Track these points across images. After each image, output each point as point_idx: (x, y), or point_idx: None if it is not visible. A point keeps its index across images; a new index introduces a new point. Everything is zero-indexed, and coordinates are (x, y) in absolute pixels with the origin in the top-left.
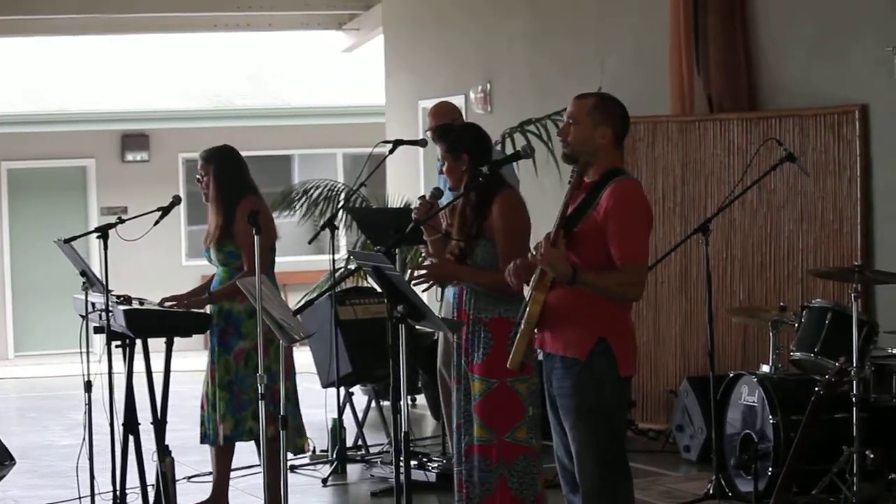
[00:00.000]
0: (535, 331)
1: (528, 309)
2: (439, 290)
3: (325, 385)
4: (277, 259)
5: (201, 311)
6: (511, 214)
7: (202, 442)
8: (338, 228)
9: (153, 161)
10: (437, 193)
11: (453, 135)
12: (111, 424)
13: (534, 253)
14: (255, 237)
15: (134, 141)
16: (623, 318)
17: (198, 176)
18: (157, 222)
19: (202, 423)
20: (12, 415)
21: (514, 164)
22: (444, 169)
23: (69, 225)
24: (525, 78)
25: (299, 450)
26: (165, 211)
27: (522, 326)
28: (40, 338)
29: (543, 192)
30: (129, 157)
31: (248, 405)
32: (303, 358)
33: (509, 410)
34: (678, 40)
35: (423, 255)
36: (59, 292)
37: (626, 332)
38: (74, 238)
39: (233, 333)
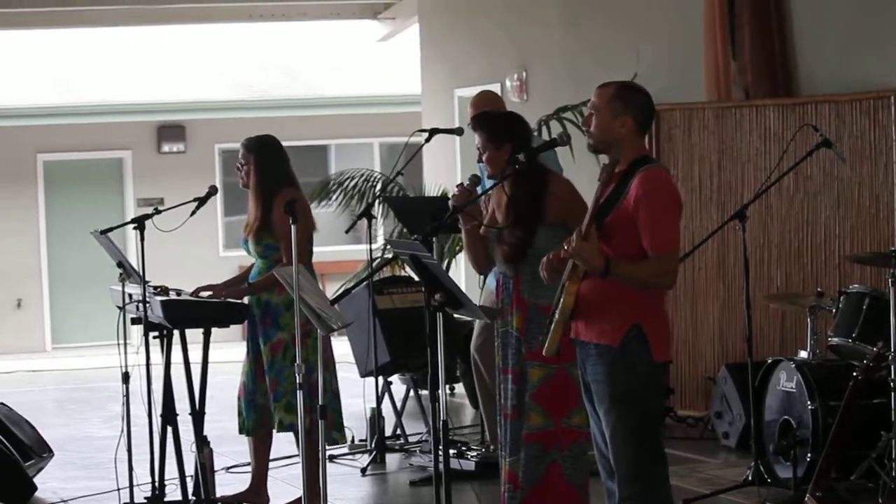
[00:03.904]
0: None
1: (561, 300)
2: (482, 277)
3: (364, 374)
4: (315, 249)
5: (239, 301)
6: (572, 193)
7: (240, 432)
8: (375, 218)
9: (189, 152)
10: (476, 180)
11: (496, 123)
12: (149, 415)
13: (566, 247)
14: (293, 227)
15: (170, 132)
16: (656, 305)
17: (238, 164)
18: (193, 213)
19: (239, 414)
20: (50, 407)
21: (554, 151)
22: (485, 157)
23: (106, 217)
24: (560, 66)
25: (337, 442)
26: (202, 201)
27: (557, 317)
28: (78, 330)
29: (580, 179)
30: (166, 148)
31: (282, 396)
32: (341, 348)
33: (566, 396)
34: (713, 27)
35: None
36: (96, 284)
37: (660, 318)
38: (111, 229)
39: (270, 324)
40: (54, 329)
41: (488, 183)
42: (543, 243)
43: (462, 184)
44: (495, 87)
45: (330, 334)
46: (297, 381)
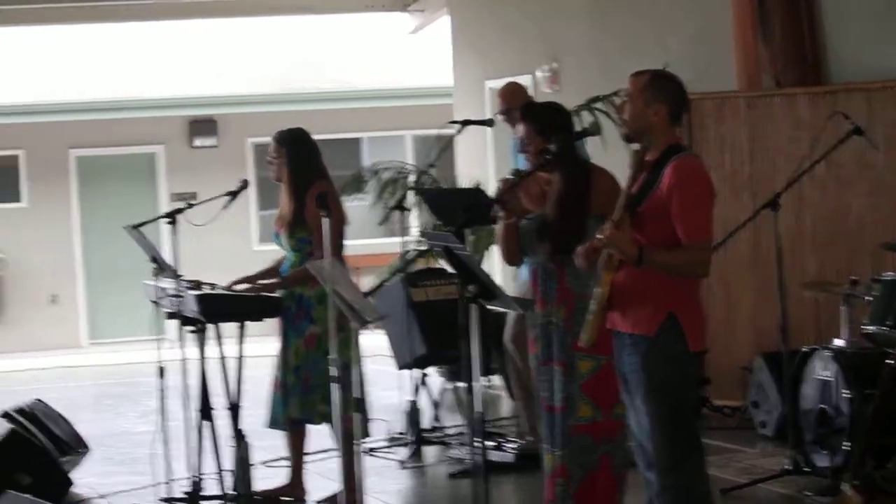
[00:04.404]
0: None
1: (597, 290)
2: (516, 269)
3: (400, 367)
4: (348, 242)
5: (273, 295)
6: (614, 185)
7: (270, 426)
8: (407, 210)
9: (221, 146)
10: (519, 174)
11: (543, 114)
12: (186, 410)
13: (599, 236)
14: (325, 220)
15: (202, 126)
16: (691, 293)
17: (270, 158)
18: (225, 206)
19: (271, 408)
20: (87, 402)
21: (582, 141)
22: (529, 149)
23: (139, 212)
24: (591, 56)
25: (372, 433)
26: (234, 195)
27: (593, 307)
28: (113, 325)
29: (610, 168)
30: (198, 142)
31: (316, 389)
32: (377, 341)
33: (613, 387)
34: (743, 16)
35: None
36: (131, 279)
37: (695, 306)
38: (143, 224)
39: (303, 317)
40: (90, 324)
41: None
42: (588, 235)
43: (506, 178)
44: (526, 78)
45: (363, 327)
46: (332, 374)
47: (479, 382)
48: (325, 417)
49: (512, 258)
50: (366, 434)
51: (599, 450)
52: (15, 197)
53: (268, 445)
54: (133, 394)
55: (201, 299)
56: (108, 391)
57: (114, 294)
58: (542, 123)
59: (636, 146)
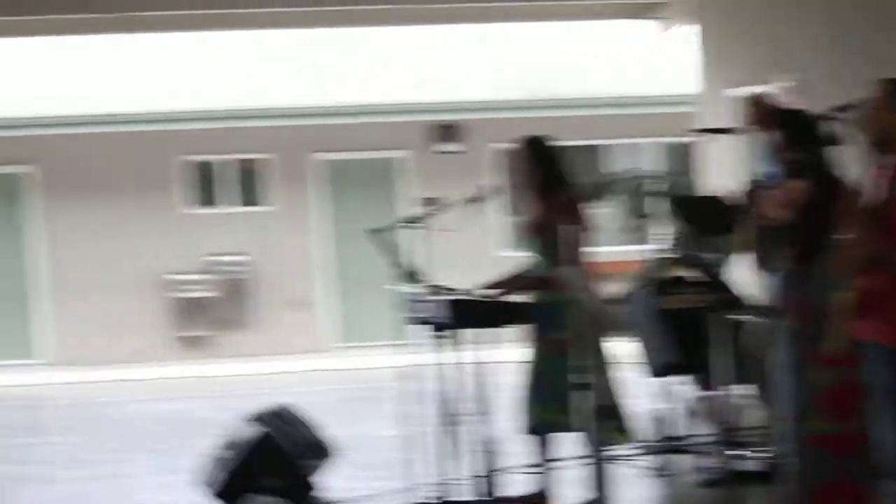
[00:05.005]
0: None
1: (843, 298)
2: (764, 276)
3: (650, 375)
4: (592, 249)
5: (519, 300)
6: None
7: (522, 432)
8: (651, 217)
9: (467, 151)
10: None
11: (794, 124)
12: (431, 415)
13: (849, 244)
14: (569, 228)
15: (446, 131)
16: None
17: (512, 164)
18: (468, 212)
19: (522, 414)
20: (332, 406)
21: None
22: (779, 157)
23: (382, 216)
24: (832, 66)
25: (622, 441)
26: (477, 201)
27: (838, 316)
28: (362, 329)
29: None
30: (443, 147)
31: (561, 396)
32: (626, 349)
33: (856, 398)
34: None
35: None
36: (376, 283)
37: None
38: (386, 228)
39: (548, 324)
40: (339, 328)
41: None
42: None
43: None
44: (769, 88)
45: (607, 335)
46: (577, 381)
47: (730, 391)
48: (568, 425)
49: (761, 265)
50: (621, 442)
51: (837, 462)
52: (261, 200)
53: (514, 451)
54: (378, 398)
55: (446, 304)
56: (353, 395)
57: (359, 298)
58: (791, 132)
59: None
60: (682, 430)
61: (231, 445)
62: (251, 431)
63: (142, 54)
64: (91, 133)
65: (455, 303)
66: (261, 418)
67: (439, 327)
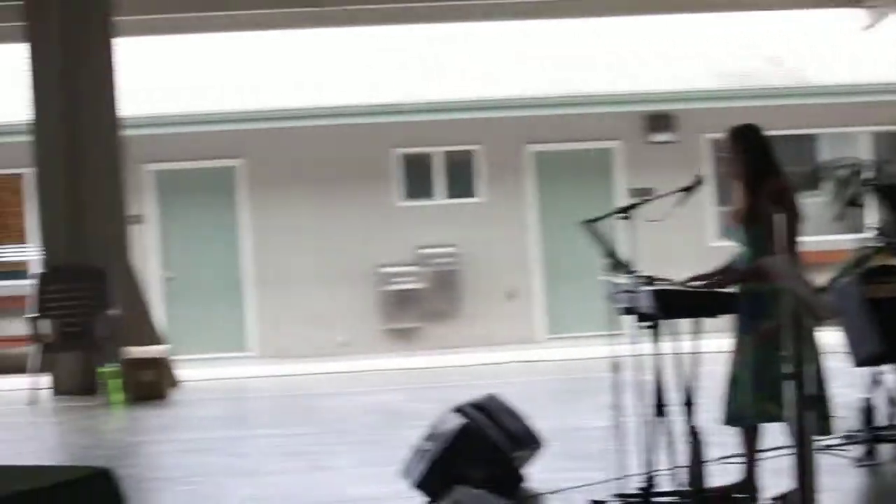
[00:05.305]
0: None
1: None
2: None
3: (856, 364)
4: (803, 239)
5: (727, 291)
6: None
7: (726, 423)
8: (863, 206)
9: (680, 141)
10: None
11: None
12: (640, 406)
13: None
14: (779, 216)
15: (659, 122)
16: None
17: (723, 154)
18: (679, 203)
19: (726, 405)
20: (542, 397)
21: None
22: None
23: (595, 207)
24: None
25: (828, 431)
26: (689, 191)
27: None
28: (572, 320)
29: None
30: (655, 138)
31: (769, 386)
32: (833, 338)
33: None
34: None
35: None
36: (588, 274)
37: None
38: (598, 219)
39: (758, 314)
40: (547, 320)
41: None
42: None
43: None
44: None
45: (818, 324)
46: (786, 371)
47: None
48: (775, 415)
49: None
50: (825, 432)
51: None
52: (471, 192)
53: (722, 442)
54: (588, 389)
55: (656, 295)
56: (563, 386)
57: (571, 289)
58: None
59: None
60: (886, 420)
61: (434, 436)
62: (455, 422)
63: (353, 48)
64: (301, 127)
65: (661, 293)
66: (465, 409)
67: (646, 318)
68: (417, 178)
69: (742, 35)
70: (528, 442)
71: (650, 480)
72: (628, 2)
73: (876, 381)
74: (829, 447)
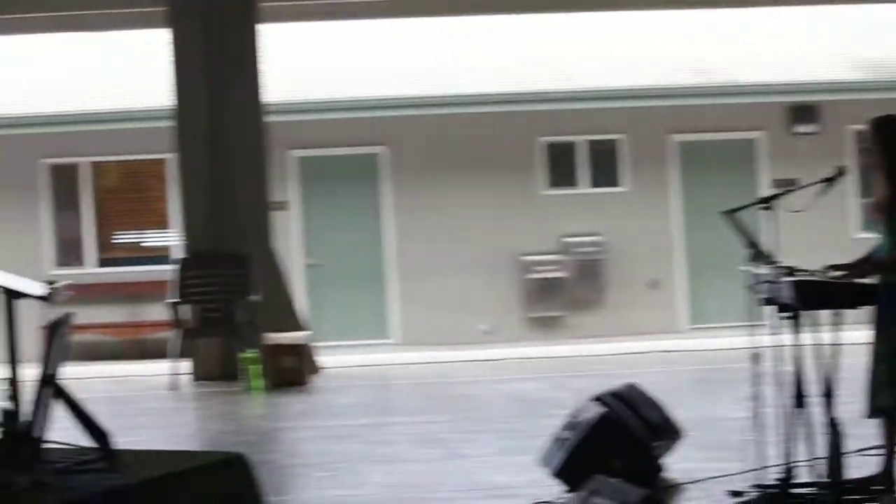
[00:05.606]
0: None
1: None
2: None
3: None
4: None
5: (868, 282)
6: None
7: (866, 416)
8: None
9: (822, 133)
10: None
11: None
12: (780, 397)
13: None
14: None
15: (802, 112)
16: None
17: (866, 146)
18: (821, 193)
19: (868, 397)
20: (684, 387)
21: None
22: None
23: (739, 197)
24: None
25: None
26: (830, 182)
27: None
28: (715, 310)
29: None
30: (798, 129)
31: None
32: None
33: None
34: None
35: None
36: (731, 265)
37: None
38: (739, 209)
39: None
40: (690, 309)
41: None
42: None
43: None
44: None
45: None
46: None
47: None
48: None
49: None
50: None
51: None
52: (615, 181)
53: (862, 434)
54: (729, 379)
55: (796, 286)
56: (705, 377)
57: (714, 279)
58: None
59: None
60: None
61: (573, 425)
62: (595, 411)
63: (498, 37)
64: (444, 114)
65: (800, 284)
66: (605, 398)
67: (786, 308)
68: (562, 166)
69: (879, 26)
70: (667, 432)
71: (789, 472)
72: None
73: None
74: None
